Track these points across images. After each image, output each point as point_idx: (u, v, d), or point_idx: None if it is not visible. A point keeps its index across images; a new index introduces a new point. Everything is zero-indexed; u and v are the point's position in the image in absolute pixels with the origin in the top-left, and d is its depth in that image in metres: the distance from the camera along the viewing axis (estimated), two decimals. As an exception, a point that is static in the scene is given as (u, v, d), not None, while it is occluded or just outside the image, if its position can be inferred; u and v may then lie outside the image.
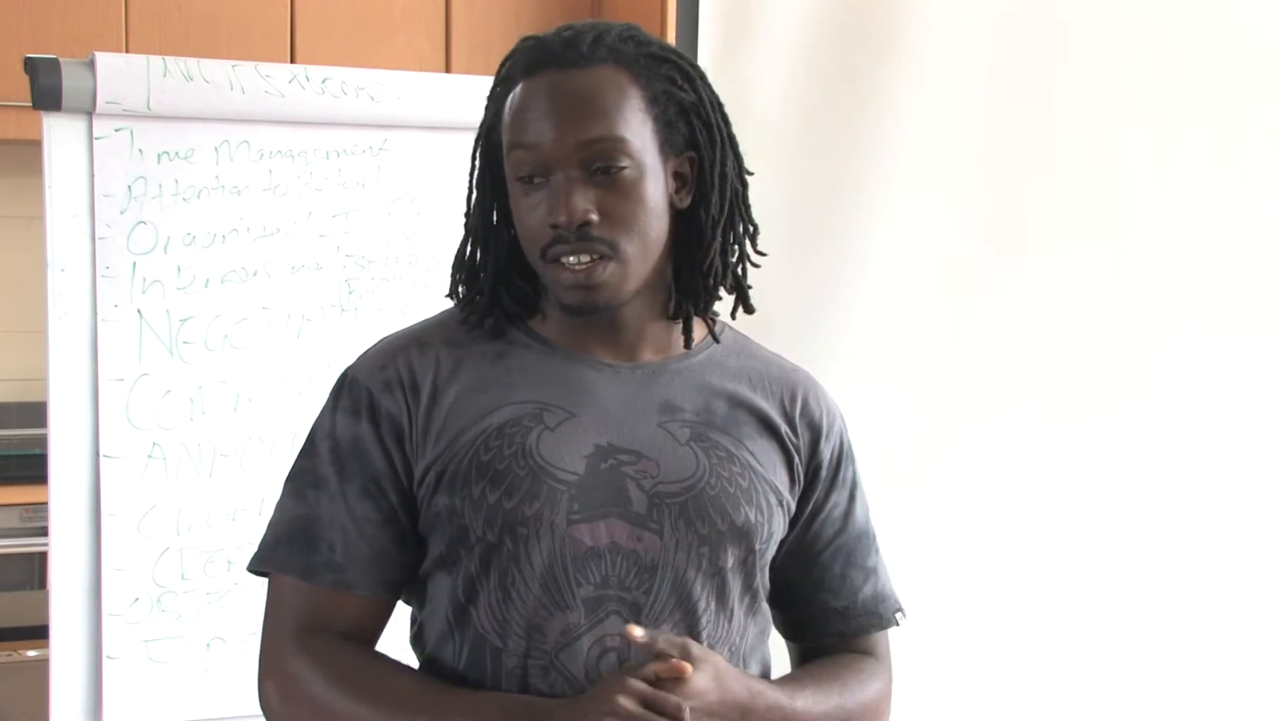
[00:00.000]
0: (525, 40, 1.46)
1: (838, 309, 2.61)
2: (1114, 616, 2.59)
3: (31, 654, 2.71)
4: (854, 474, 1.58)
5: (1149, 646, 2.59)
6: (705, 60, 2.61)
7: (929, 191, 2.59)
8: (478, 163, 1.50)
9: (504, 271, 1.49)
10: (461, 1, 3.22)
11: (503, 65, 1.47)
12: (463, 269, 1.51)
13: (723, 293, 1.52)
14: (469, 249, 1.51)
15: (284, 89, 2.33)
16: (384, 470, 1.44)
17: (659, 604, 1.41)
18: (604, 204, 1.39)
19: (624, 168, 1.40)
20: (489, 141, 1.48)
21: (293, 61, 3.09)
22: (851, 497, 1.57)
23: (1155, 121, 2.57)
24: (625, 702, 1.30)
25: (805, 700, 1.45)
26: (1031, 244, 2.59)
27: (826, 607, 1.55)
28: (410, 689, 1.41)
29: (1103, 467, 2.59)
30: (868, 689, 1.53)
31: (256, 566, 1.48)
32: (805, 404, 1.54)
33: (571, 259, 1.39)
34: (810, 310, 2.60)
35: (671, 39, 2.71)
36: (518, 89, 1.43)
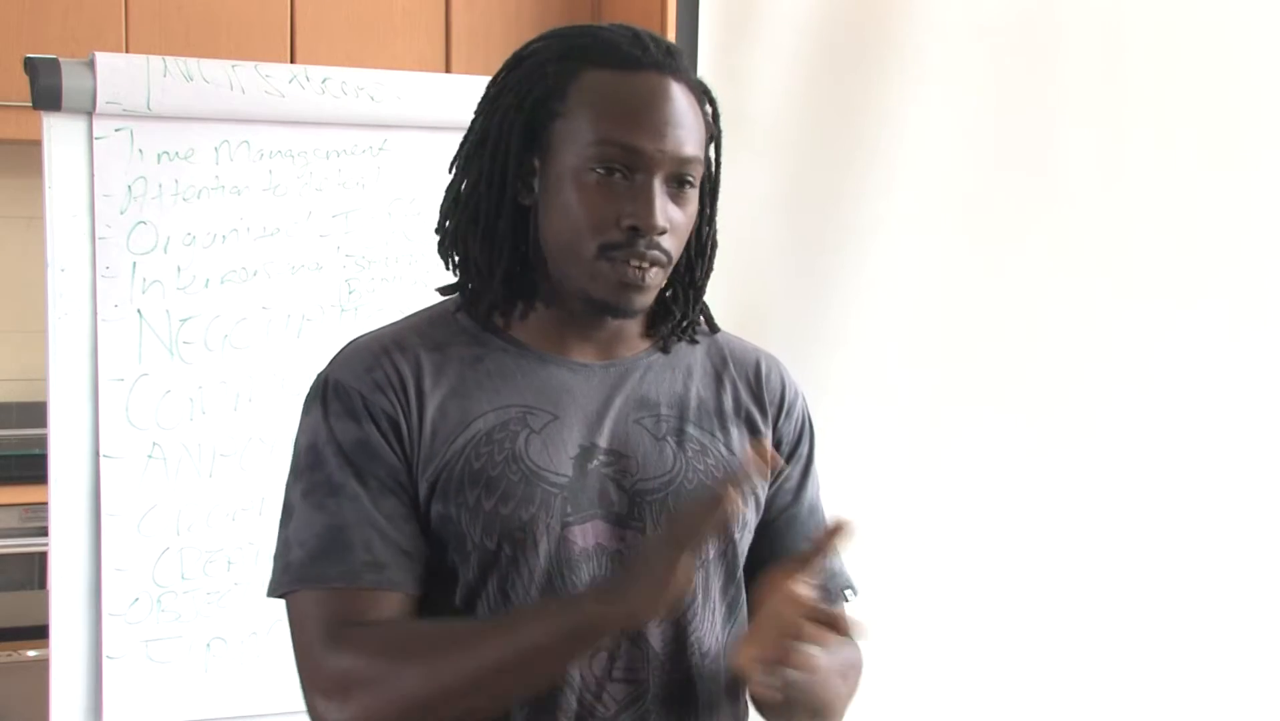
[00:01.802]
0: (599, 29, 1.44)
1: (837, 308, 2.61)
2: (1114, 617, 2.59)
3: (31, 654, 2.71)
4: (809, 452, 1.59)
5: (1148, 646, 2.59)
6: (705, 60, 2.61)
7: (929, 191, 2.59)
8: (513, 136, 1.42)
9: (513, 256, 1.45)
10: (461, 1, 3.23)
11: (555, 41, 1.44)
12: (471, 246, 1.45)
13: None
14: (483, 225, 1.44)
15: (284, 89, 2.33)
16: (397, 465, 1.42)
17: None
18: (672, 217, 1.41)
19: (693, 186, 1.42)
20: (535, 115, 1.41)
21: (293, 61, 3.10)
22: (805, 473, 1.58)
23: (1156, 122, 2.57)
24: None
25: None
26: (1032, 245, 2.59)
27: None
28: (466, 628, 1.39)
29: (1103, 469, 2.58)
30: (846, 648, 1.50)
31: (296, 586, 1.41)
32: (769, 380, 1.56)
33: (635, 261, 1.39)
34: (810, 309, 2.60)
35: (671, 39, 2.71)
36: (608, 76, 1.40)
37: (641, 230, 1.38)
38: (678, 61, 1.43)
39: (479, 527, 1.40)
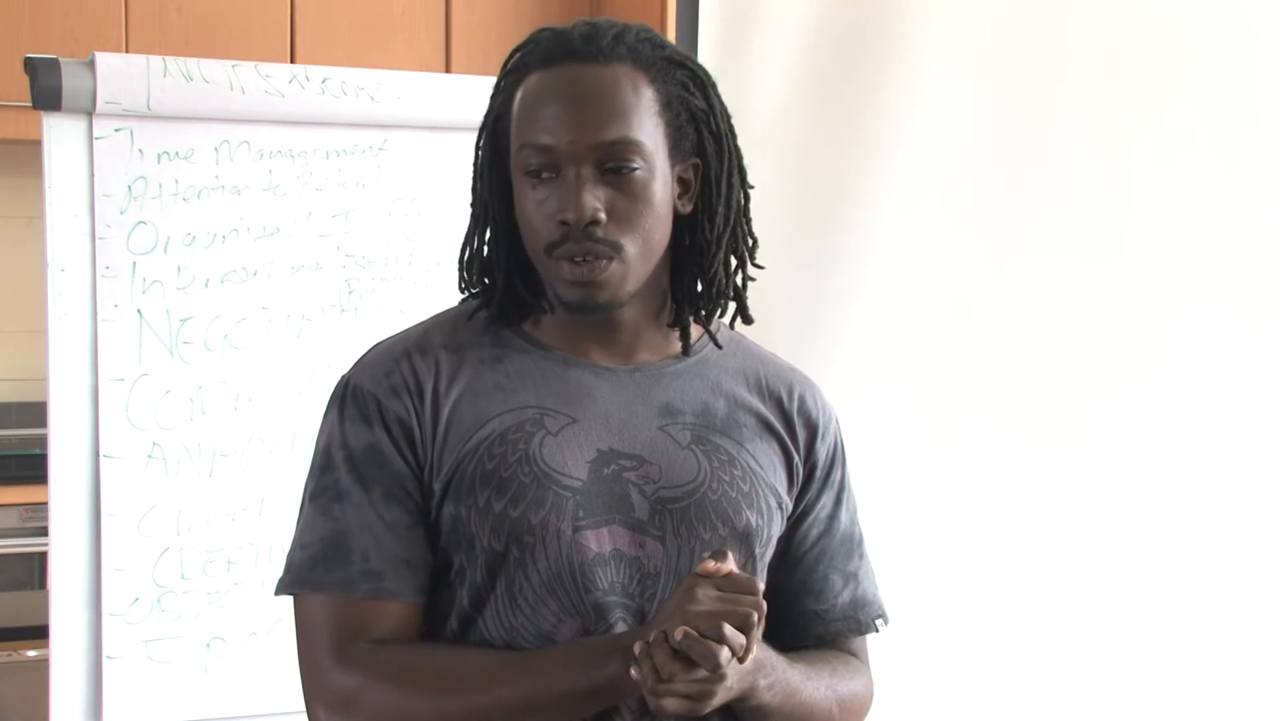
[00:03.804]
0: (542, 31, 1.44)
1: (837, 309, 2.61)
2: (1113, 617, 2.59)
3: (31, 654, 2.72)
4: (843, 476, 1.57)
5: (1148, 650, 2.58)
6: (705, 60, 2.61)
7: (929, 191, 2.60)
8: (483, 153, 1.47)
9: (515, 264, 1.47)
10: (461, 1, 3.23)
11: (515, 54, 1.45)
12: (474, 262, 1.49)
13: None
14: (477, 242, 1.48)
15: (284, 89, 2.33)
16: (405, 473, 1.42)
17: None
18: (613, 204, 1.38)
19: (636, 169, 1.39)
20: (495, 130, 1.46)
21: (293, 61, 3.10)
22: (838, 500, 1.56)
23: (1155, 121, 2.57)
24: (704, 593, 1.29)
25: (799, 672, 1.44)
26: (1031, 245, 2.59)
27: (806, 610, 1.54)
28: (481, 665, 1.38)
29: (1103, 468, 2.58)
30: (854, 681, 1.52)
31: (293, 590, 1.43)
32: (803, 402, 1.53)
33: (576, 257, 1.38)
34: (810, 310, 2.60)
35: (671, 39, 2.71)
36: (532, 79, 1.41)
37: (570, 222, 1.37)
38: (601, 46, 1.39)
39: (488, 529, 1.39)
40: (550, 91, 1.39)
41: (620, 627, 1.39)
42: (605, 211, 1.38)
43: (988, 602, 2.59)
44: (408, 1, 3.20)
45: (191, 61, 2.29)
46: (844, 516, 1.56)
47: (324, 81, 2.35)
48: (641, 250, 1.41)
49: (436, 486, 1.41)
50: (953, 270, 2.60)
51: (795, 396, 1.53)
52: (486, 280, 1.48)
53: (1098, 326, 2.58)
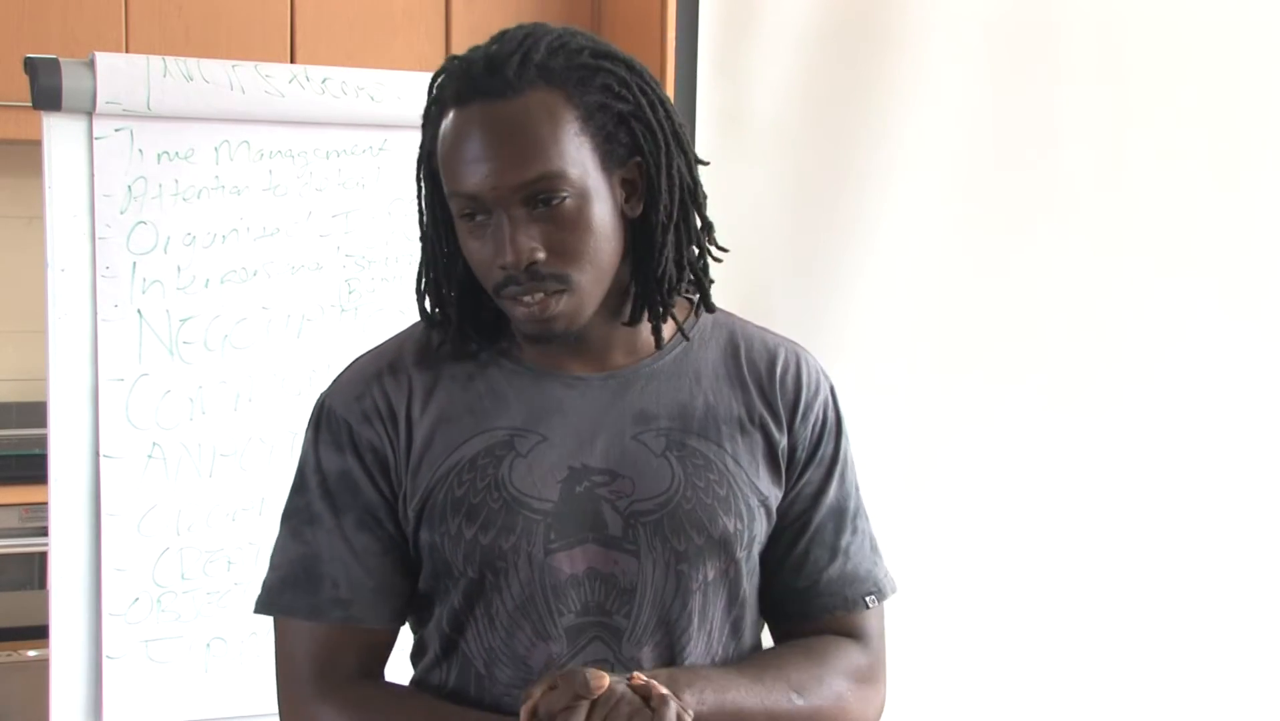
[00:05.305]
0: (452, 60, 1.42)
1: (839, 307, 2.61)
2: (1117, 609, 2.59)
3: (31, 654, 2.72)
4: (835, 450, 1.50)
5: (1150, 639, 2.58)
6: (705, 60, 2.61)
7: (929, 190, 2.59)
8: (423, 186, 1.46)
9: (467, 294, 1.45)
10: (461, 1, 3.23)
11: (433, 82, 1.43)
12: (430, 293, 1.47)
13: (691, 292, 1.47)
14: (430, 274, 1.47)
15: (284, 89, 2.33)
16: (377, 500, 1.42)
17: (640, 627, 1.39)
18: (550, 238, 1.34)
19: (565, 198, 1.34)
20: (430, 166, 1.44)
21: (293, 61, 3.10)
22: (828, 474, 1.50)
23: (1156, 119, 2.57)
24: None
25: (740, 691, 1.38)
26: (1032, 242, 2.59)
27: (787, 587, 1.49)
28: (427, 717, 1.41)
29: (1106, 459, 2.58)
30: (847, 659, 1.47)
31: (265, 611, 1.45)
32: (784, 380, 1.48)
33: (526, 298, 1.36)
34: (811, 309, 2.60)
35: (671, 39, 2.72)
36: (448, 118, 1.39)
37: (508, 266, 1.35)
38: (508, 76, 1.35)
39: (461, 556, 1.39)
40: (464, 135, 1.36)
41: (593, 648, 1.38)
42: (543, 248, 1.34)
43: (990, 593, 2.59)
44: (408, 1, 3.20)
45: (191, 61, 2.29)
46: (833, 490, 1.50)
47: (324, 81, 2.35)
48: (592, 274, 1.37)
49: (411, 513, 1.41)
50: (954, 268, 2.60)
51: (778, 373, 1.48)
52: (441, 311, 1.46)
53: (1099, 325, 2.58)
